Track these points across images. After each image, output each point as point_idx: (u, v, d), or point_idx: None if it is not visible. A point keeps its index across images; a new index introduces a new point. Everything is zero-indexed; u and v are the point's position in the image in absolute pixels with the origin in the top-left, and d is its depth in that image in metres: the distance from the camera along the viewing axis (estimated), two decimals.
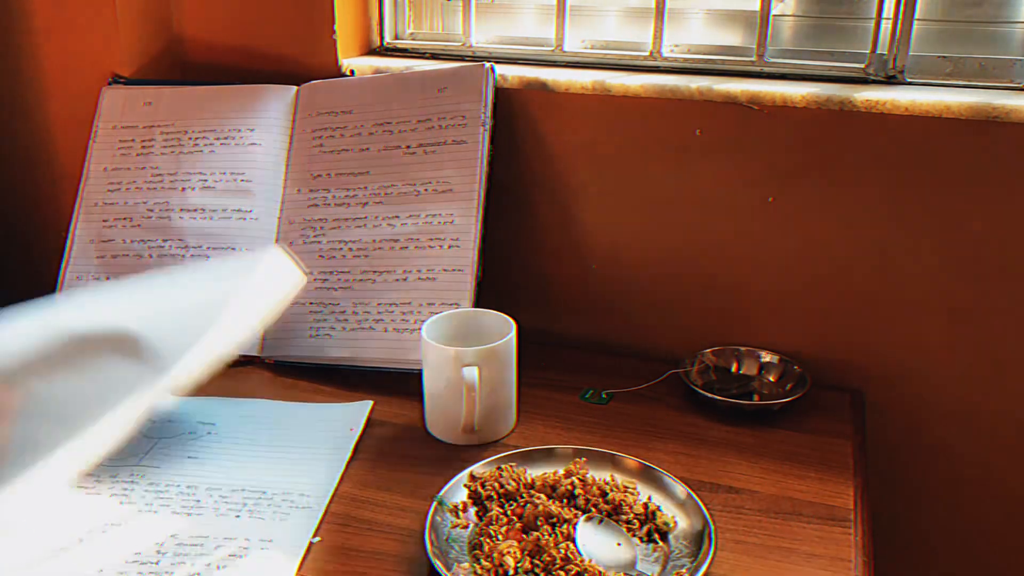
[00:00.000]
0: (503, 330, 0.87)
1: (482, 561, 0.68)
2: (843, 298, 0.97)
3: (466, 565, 0.69)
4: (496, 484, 0.76)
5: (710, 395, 0.92)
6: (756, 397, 0.96)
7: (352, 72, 1.09)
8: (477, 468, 0.78)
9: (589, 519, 0.71)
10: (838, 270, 0.96)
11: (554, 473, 0.77)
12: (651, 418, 0.92)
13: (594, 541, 0.70)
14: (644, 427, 0.90)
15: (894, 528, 1.02)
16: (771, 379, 0.98)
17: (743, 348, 1.00)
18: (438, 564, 0.68)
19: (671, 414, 0.92)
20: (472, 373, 0.82)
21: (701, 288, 1.02)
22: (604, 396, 0.95)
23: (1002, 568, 1.01)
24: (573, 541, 0.69)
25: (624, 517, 0.73)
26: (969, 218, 0.90)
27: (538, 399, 0.94)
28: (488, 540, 0.70)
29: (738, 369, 0.99)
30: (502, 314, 0.89)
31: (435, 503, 0.74)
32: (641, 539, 0.72)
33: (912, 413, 0.98)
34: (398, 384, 0.93)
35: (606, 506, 0.74)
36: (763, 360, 0.99)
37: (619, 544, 0.70)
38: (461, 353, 0.83)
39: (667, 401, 0.95)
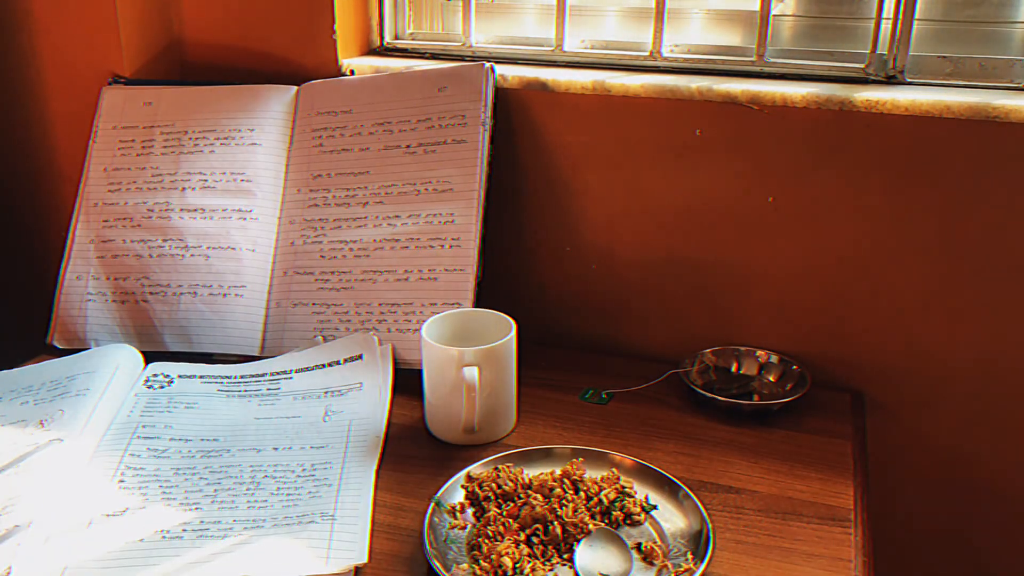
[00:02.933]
0: (503, 330, 0.87)
1: (481, 562, 0.68)
2: (843, 298, 0.97)
3: (465, 566, 0.69)
4: (493, 485, 0.76)
5: (710, 395, 0.92)
6: (756, 397, 0.96)
7: (352, 72, 1.09)
8: (474, 469, 0.78)
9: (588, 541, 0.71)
10: (838, 270, 0.96)
11: (551, 473, 0.77)
12: (651, 418, 0.91)
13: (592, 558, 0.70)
14: (644, 427, 0.90)
15: (894, 528, 1.02)
16: (771, 379, 0.98)
17: (743, 348, 1.00)
18: (436, 565, 0.68)
19: (671, 414, 0.92)
20: (472, 373, 0.82)
21: (701, 288, 1.02)
22: (604, 396, 0.95)
23: (1002, 568, 1.01)
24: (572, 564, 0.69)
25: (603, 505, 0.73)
26: (969, 218, 0.90)
27: (538, 399, 0.94)
28: (486, 541, 0.70)
29: (738, 369, 0.99)
30: (502, 314, 0.89)
31: (432, 504, 0.74)
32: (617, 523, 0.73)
33: (912, 413, 0.98)
34: (398, 384, 0.93)
35: (577, 497, 0.74)
36: (763, 360, 0.99)
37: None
38: (461, 353, 0.83)
39: (667, 401, 0.95)
